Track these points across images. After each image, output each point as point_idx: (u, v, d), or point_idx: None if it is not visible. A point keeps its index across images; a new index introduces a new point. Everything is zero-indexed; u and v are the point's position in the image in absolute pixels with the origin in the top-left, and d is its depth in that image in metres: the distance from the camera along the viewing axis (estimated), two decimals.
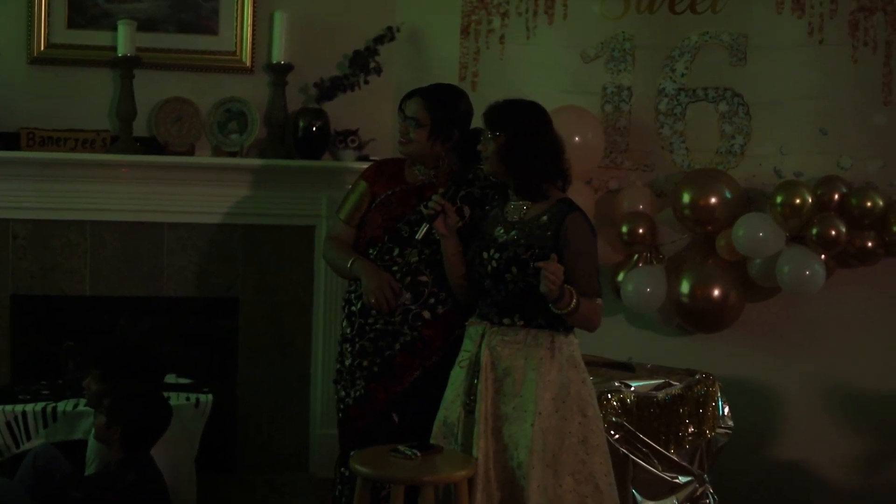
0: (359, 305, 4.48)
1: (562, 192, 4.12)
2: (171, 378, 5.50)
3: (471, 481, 3.95)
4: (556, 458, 3.96)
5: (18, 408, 5.06)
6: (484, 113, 4.12)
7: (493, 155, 4.07)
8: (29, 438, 5.07)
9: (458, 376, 4.15)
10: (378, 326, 4.44)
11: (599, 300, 4.02)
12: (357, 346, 4.48)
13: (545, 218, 4.02)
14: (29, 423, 5.05)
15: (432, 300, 4.41)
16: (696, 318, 5.80)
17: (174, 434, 4.70)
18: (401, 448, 4.00)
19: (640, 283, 5.70)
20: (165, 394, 4.86)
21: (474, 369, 4.08)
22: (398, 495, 3.92)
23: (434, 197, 4.19)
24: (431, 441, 4.14)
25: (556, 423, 3.96)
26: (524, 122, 4.05)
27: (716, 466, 5.10)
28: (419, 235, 4.21)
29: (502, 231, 4.09)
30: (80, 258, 5.88)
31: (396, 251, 4.44)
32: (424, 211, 4.23)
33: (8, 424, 5.03)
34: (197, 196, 5.94)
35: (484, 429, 4.01)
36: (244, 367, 6.13)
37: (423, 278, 4.40)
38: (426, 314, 4.40)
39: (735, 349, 5.87)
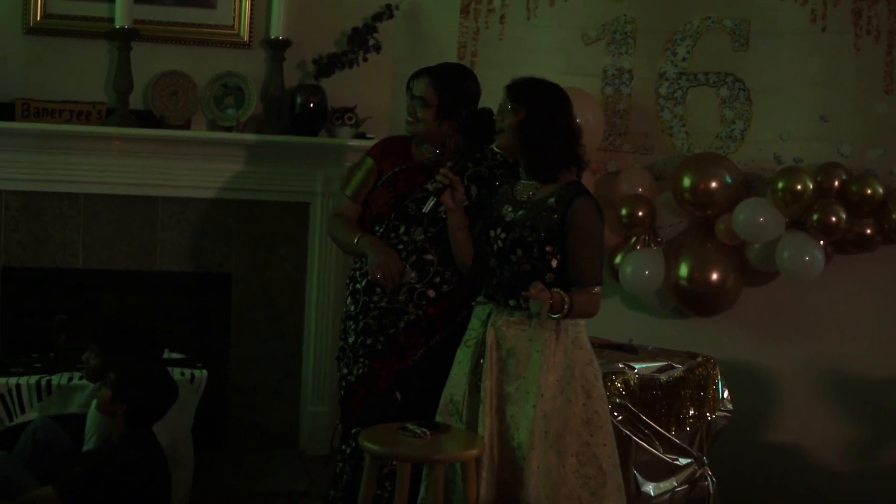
0: (363, 283, 4.47)
1: (575, 177, 4.10)
2: (164, 353, 5.46)
3: (478, 460, 3.96)
4: (559, 439, 3.96)
5: (12, 380, 5.01)
6: (507, 86, 4.08)
7: (510, 128, 4.04)
8: (23, 412, 5.02)
9: (464, 355, 4.14)
10: (383, 304, 4.42)
11: (597, 289, 3.99)
12: (361, 323, 4.46)
13: (553, 200, 4.00)
14: (23, 396, 5.01)
15: (437, 279, 4.40)
16: (694, 301, 5.83)
17: (171, 410, 4.67)
18: (409, 426, 4.00)
19: (638, 266, 5.72)
20: None
21: (480, 349, 4.08)
22: (405, 473, 3.92)
23: (442, 170, 4.17)
24: (437, 418, 4.14)
25: (560, 405, 3.97)
26: (547, 102, 4.03)
27: (713, 449, 5.12)
28: (426, 209, 4.18)
29: (510, 210, 4.07)
30: (73, 231, 5.83)
31: (402, 229, 4.42)
32: (431, 185, 4.21)
33: (1, 397, 4.98)
34: (192, 171, 5.89)
35: (489, 407, 4.01)
36: (236, 343, 6.09)
37: (429, 257, 4.39)
38: (431, 293, 4.40)
39: (731, 333, 5.89)
